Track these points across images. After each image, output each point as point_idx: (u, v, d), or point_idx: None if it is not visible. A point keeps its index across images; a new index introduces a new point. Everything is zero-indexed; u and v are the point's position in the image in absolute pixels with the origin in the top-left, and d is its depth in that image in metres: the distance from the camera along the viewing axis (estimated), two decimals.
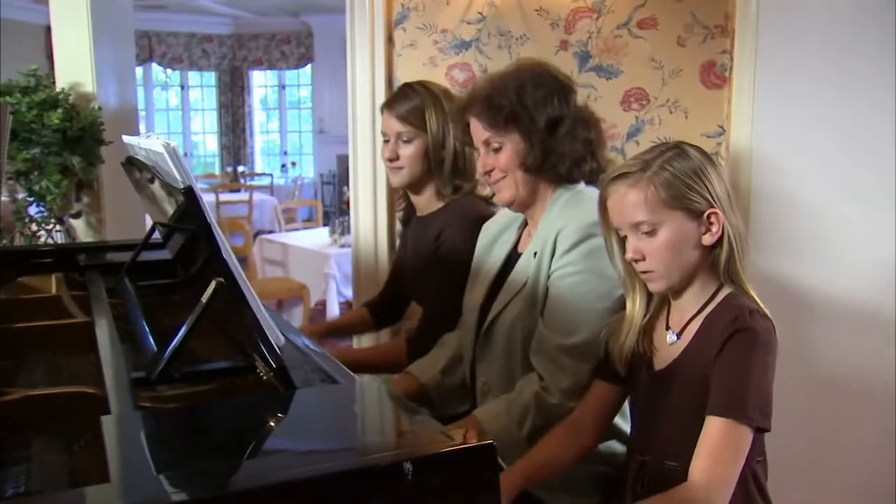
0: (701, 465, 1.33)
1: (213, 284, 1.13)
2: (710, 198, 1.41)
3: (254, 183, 10.19)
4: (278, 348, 1.22)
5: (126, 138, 1.61)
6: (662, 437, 1.48)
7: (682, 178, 1.41)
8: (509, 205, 1.80)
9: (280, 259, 6.06)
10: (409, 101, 2.13)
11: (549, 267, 1.70)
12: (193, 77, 10.96)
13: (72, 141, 2.99)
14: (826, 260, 2.42)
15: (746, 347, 1.35)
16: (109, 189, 3.41)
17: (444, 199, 2.17)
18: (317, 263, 5.66)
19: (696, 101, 2.72)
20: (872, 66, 2.33)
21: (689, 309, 1.47)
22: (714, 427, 1.34)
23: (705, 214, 1.41)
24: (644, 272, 1.45)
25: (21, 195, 3.01)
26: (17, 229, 3.00)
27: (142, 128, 10.52)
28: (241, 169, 10.78)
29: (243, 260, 5.88)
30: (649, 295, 1.53)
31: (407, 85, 2.22)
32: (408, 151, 2.12)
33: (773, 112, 2.40)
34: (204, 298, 1.14)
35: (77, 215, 3.18)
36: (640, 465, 1.52)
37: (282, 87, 11.24)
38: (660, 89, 2.73)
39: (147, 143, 1.25)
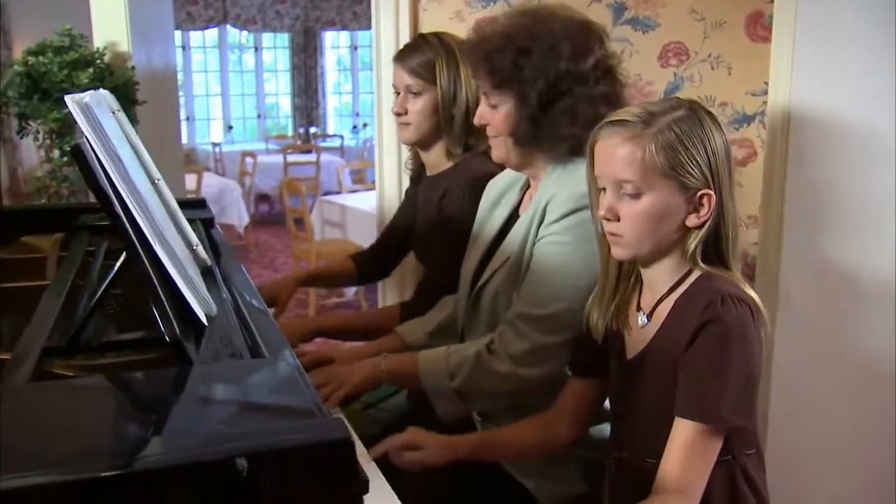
0: (673, 472, 1.22)
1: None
2: (708, 175, 1.25)
3: (325, 144, 10.22)
4: (206, 318, 1.15)
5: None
6: (639, 432, 1.36)
7: (687, 145, 1.25)
8: (502, 163, 1.69)
9: (339, 221, 6.06)
10: (420, 52, 2.02)
11: (536, 236, 1.57)
12: (267, 39, 11.02)
13: None
14: (868, 234, 2.19)
15: (718, 341, 1.21)
16: (146, 149, 3.42)
17: (454, 158, 2.07)
18: (373, 225, 5.62)
19: (740, 56, 2.51)
20: None
21: (660, 288, 1.33)
22: (684, 430, 1.22)
23: (698, 194, 1.26)
24: (612, 234, 1.31)
25: (55, 154, 3.04)
26: (53, 188, 3.04)
27: (216, 89, 10.69)
28: (312, 130, 10.83)
29: (299, 221, 5.89)
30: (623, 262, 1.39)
31: (420, 36, 2.11)
32: (416, 106, 2.01)
33: (815, 69, 2.17)
34: (118, 265, 1.07)
35: None
36: (618, 462, 1.41)
37: (354, 48, 11.19)
38: (701, 43, 2.52)
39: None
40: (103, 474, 0.64)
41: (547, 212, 1.56)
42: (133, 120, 3.17)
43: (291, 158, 8.79)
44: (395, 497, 1.24)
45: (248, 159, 8.71)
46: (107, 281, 1.07)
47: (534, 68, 1.51)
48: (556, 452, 1.55)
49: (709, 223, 1.27)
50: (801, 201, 2.23)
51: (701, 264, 1.29)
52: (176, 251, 1.18)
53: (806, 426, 2.30)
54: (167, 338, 0.95)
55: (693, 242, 1.28)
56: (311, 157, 8.94)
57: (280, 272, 6.82)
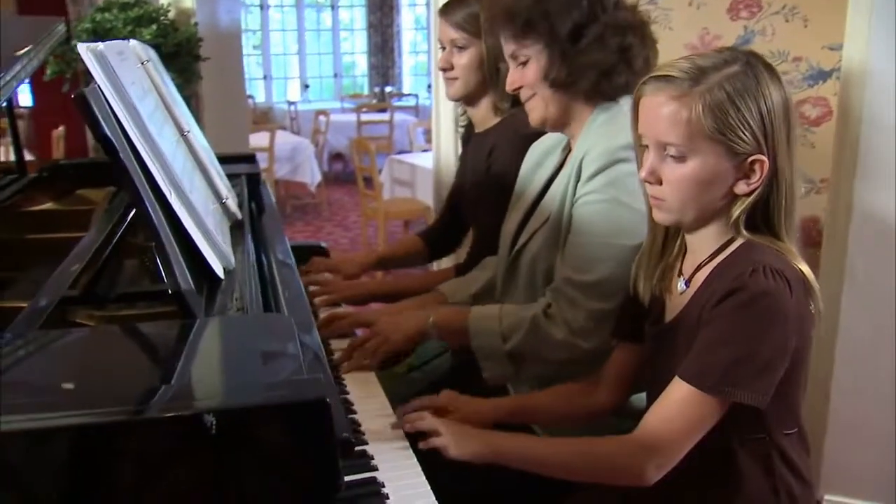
0: (651, 425, 1.17)
1: None
2: (761, 140, 1.15)
3: (400, 103, 10.20)
4: (223, 271, 1.14)
5: None
6: None
7: (739, 106, 1.14)
8: (542, 125, 1.62)
9: (408, 180, 6.05)
10: (464, 6, 1.96)
11: (574, 195, 1.51)
12: None
13: (167, 57, 3.02)
14: None
15: (737, 311, 1.13)
16: (210, 105, 3.47)
17: (501, 113, 2.01)
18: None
19: (818, 7, 2.35)
20: None
21: (701, 254, 1.25)
22: (677, 388, 1.16)
23: (749, 159, 1.16)
24: (654, 197, 1.23)
25: None
26: None
27: (294, 48, 10.75)
28: (388, 89, 10.82)
29: (368, 180, 5.90)
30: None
31: None
32: (462, 60, 1.97)
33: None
34: (129, 217, 1.07)
35: None
36: None
37: (430, 6, 11.08)
38: None
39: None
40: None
41: (583, 168, 1.49)
42: (196, 75, 3.21)
43: (365, 117, 8.81)
44: (419, 468, 1.20)
45: (322, 118, 8.77)
46: (118, 233, 1.07)
47: (557, 2, 1.47)
48: (593, 418, 1.49)
49: (759, 190, 1.18)
50: (874, 166, 2.08)
51: (744, 233, 1.20)
52: (196, 203, 1.17)
53: (870, 400, 2.18)
54: (169, 290, 0.94)
55: (737, 210, 1.19)
56: (385, 116, 8.93)
57: (351, 231, 6.88)
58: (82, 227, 1.72)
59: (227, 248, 1.19)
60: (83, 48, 1.06)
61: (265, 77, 10.49)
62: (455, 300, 1.84)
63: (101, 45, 1.08)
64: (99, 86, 1.04)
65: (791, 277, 1.15)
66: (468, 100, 2.05)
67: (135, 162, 1.02)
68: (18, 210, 1.82)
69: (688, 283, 1.27)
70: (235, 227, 1.42)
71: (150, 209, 0.97)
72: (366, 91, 11.08)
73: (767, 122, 1.15)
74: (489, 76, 1.96)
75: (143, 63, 1.34)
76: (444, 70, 2.01)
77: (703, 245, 1.25)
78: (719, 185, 1.18)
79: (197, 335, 0.88)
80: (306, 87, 10.81)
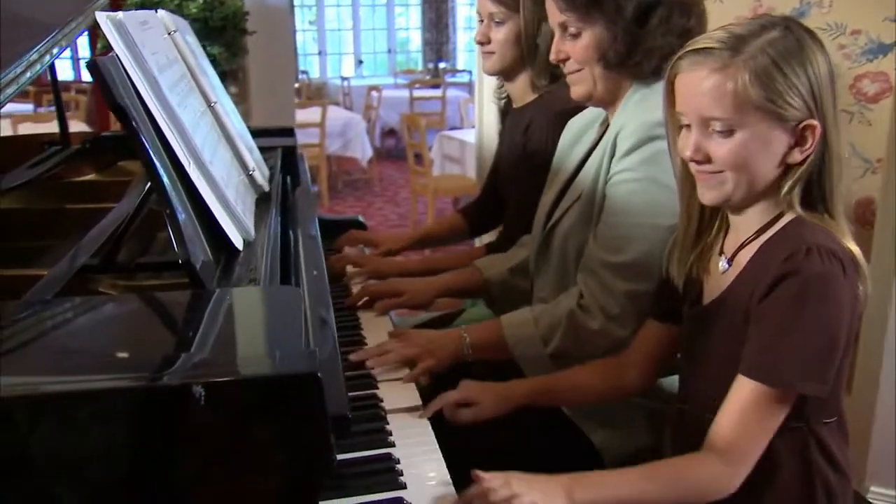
0: (724, 432, 1.11)
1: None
2: (811, 104, 1.09)
3: (453, 79, 10.15)
4: (242, 243, 1.14)
5: None
6: (703, 384, 1.24)
7: (785, 71, 1.08)
8: (585, 101, 1.57)
9: (458, 156, 6.03)
10: None
11: (608, 171, 1.46)
12: None
13: (213, 31, 3.05)
14: None
15: (795, 298, 1.07)
16: (257, 79, 3.49)
17: (538, 90, 1.97)
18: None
19: None
20: None
21: (745, 232, 1.19)
22: (744, 389, 1.10)
23: (800, 125, 1.10)
24: (702, 175, 1.16)
25: None
26: None
27: (349, 23, 10.77)
28: (442, 65, 10.77)
29: (417, 156, 5.90)
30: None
31: None
32: (499, 35, 1.92)
33: None
34: (148, 185, 1.07)
35: None
36: (679, 414, 1.31)
37: None
38: None
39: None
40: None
41: (617, 144, 1.45)
42: (242, 50, 3.23)
43: (417, 93, 8.77)
44: (437, 445, 1.18)
45: (374, 93, 8.77)
46: (136, 202, 1.07)
47: None
48: (621, 399, 1.46)
49: (811, 159, 1.12)
50: None
51: (797, 207, 1.14)
52: (216, 174, 1.17)
53: None
54: (180, 261, 0.93)
55: (790, 181, 1.13)
56: (438, 92, 8.89)
57: (401, 207, 6.89)
58: (120, 198, 1.75)
59: (249, 219, 1.19)
60: (102, 17, 1.05)
61: (320, 52, 10.53)
62: (490, 274, 1.81)
63: (120, 14, 1.08)
64: (117, 55, 1.03)
65: (843, 258, 1.10)
66: (506, 74, 2.01)
67: (152, 131, 1.02)
68: (60, 181, 1.85)
69: (730, 262, 1.21)
70: (263, 200, 1.41)
71: (163, 179, 0.97)
72: (419, 67, 11.05)
73: (815, 86, 1.10)
74: (527, 52, 1.92)
75: (169, 33, 1.33)
76: (480, 44, 1.97)
77: (748, 222, 1.19)
78: (772, 154, 1.12)
79: (202, 306, 0.88)
80: (360, 62, 10.82)
